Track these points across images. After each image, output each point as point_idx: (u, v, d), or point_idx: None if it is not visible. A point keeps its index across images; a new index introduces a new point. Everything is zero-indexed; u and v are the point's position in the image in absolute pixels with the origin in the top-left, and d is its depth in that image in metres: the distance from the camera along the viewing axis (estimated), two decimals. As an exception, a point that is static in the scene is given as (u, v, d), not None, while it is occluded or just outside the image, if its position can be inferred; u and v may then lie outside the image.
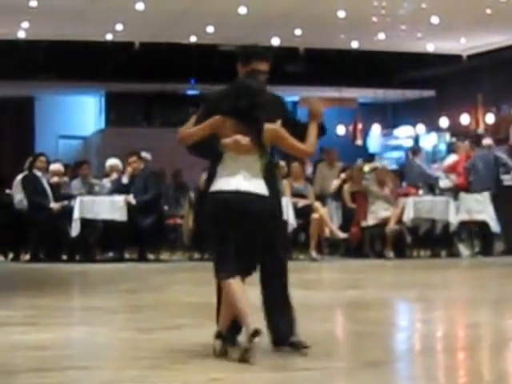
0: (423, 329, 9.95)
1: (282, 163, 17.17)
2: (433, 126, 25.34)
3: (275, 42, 20.90)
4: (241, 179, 6.50)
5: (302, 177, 17.28)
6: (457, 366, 6.61)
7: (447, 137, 24.46)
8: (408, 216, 16.46)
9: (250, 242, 6.63)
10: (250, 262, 6.77)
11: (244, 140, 6.38)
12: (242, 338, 6.86)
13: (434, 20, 18.01)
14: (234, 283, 6.66)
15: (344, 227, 16.90)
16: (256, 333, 6.25)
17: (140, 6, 16.67)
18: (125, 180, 15.94)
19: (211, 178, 6.81)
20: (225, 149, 6.52)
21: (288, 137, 6.59)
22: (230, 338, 7.01)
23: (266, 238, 6.77)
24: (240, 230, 6.58)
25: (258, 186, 6.50)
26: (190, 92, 25.79)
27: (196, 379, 6.53)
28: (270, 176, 6.93)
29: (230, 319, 6.83)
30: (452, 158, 18.93)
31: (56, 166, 16.27)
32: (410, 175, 18.63)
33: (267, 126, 6.49)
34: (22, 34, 19.76)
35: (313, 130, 6.73)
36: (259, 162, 6.53)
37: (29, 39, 20.15)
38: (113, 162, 16.65)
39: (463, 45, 21.52)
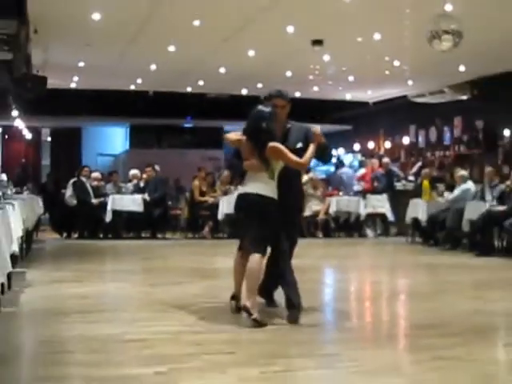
0: (341, 285, 9.99)
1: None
2: (350, 149, 25.35)
3: (244, 92, 20.91)
4: (251, 186, 6.32)
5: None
6: (364, 311, 6.61)
7: (359, 156, 24.45)
8: (332, 209, 16.52)
9: (252, 225, 6.35)
10: (251, 240, 6.41)
11: (255, 162, 6.22)
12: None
13: (351, 78, 18.05)
14: (236, 257, 6.64)
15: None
16: (233, 297, 6.35)
17: (153, 67, 16.67)
18: (142, 184, 15.91)
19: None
20: (246, 168, 6.38)
21: (286, 153, 6.25)
22: (268, 298, 6.96)
23: (286, 223, 6.53)
24: (245, 216, 6.49)
25: (261, 190, 6.22)
26: (187, 125, 25.73)
27: (189, 318, 6.59)
28: (295, 181, 6.84)
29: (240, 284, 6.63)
30: (362, 171, 18.97)
31: (96, 174, 16.21)
32: (334, 182, 18.66)
33: (269, 144, 6.19)
34: (73, 85, 19.70)
35: (310, 149, 6.44)
36: (266, 174, 6.22)
37: (78, 88, 20.10)
38: (134, 172, 16.59)
39: (369, 95, 21.59)
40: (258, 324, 5.94)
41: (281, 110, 6.59)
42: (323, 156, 7.09)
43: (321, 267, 11.64)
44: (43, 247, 13.45)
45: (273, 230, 6.36)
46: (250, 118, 6.44)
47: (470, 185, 14.13)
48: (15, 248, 7.68)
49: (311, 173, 20.33)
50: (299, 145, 6.49)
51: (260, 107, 6.46)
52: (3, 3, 11.03)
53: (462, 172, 14.58)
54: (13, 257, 7.74)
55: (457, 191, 13.99)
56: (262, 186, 6.24)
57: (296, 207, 6.98)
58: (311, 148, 6.44)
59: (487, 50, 13.73)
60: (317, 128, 6.75)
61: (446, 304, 7.77)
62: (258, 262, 6.28)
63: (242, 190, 6.61)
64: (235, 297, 6.59)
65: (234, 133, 6.72)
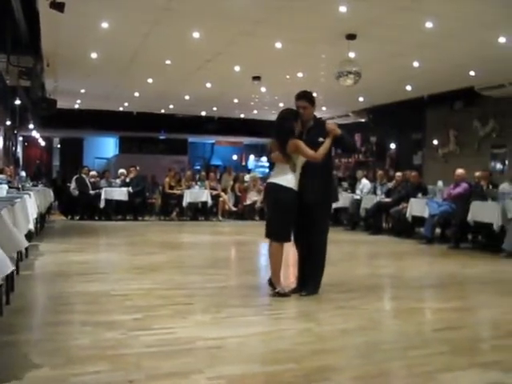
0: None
1: (203, 172, 17.07)
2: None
3: (203, 113, 20.82)
4: (277, 176, 5.55)
5: (215, 179, 17.11)
6: (289, 273, 6.63)
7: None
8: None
9: (276, 214, 5.59)
10: (275, 228, 5.60)
11: (279, 155, 5.50)
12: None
13: (281, 104, 17.89)
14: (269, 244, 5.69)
15: (235, 205, 16.83)
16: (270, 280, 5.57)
17: (136, 94, 16.52)
18: (127, 180, 15.67)
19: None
20: (272, 159, 5.70)
21: (303, 148, 5.46)
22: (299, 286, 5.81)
23: (307, 215, 5.58)
24: (270, 206, 5.73)
25: (284, 180, 5.46)
26: (161, 137, 25.46)
27: (159, 279, 6.54)
28: (328, 176, 5.86)
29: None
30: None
31: (93, 172, 15.91)
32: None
33: (291, 140, 5.45)
34: (76, 106, 19.37)
35: (325, 144, 5.54)
36: (288, 165, 5.47)
37: (80, 108, 19.78)
38: (121, 171, 16.30)
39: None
40: (281, 295, 5.46)
41: (303, 110, 5.67)
42: (343, 146, 6.20)
43: (258, 242, 11.64)
44: (53, 226, 13.23)
45: (289, 218, 5.56)
46: (276, 119, 5.70)
47: (364, 182, 14.36)
48: (31, 226, 7.56)
49: (252, 172, 20.37)
50: (320, 139, 5.61)
51: (284, 109, 5.74)
52: (23, 43, 10.84)
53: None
54: (29, 233, 7.62)
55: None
56: (284, 176, 5.51)
57: (325, 196, 5.83)
58: (326, 142, 5.58)
59: (379, 86, 13.91)
60: (330, 123, 5.88)
61: (347, 268, 7.86)
62: (278, 249, 5.58)
63: (269, 179, 5.78)
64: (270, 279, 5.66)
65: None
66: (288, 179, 5.50)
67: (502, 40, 9.48)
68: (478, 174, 11.19)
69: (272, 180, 5.65)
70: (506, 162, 13.79)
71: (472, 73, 12.10)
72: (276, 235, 5.58)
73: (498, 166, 14.21)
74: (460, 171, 11.08)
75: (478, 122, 14.79)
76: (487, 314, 5.43)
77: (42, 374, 3.30)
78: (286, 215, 5.52)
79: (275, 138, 5.67)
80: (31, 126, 19.24)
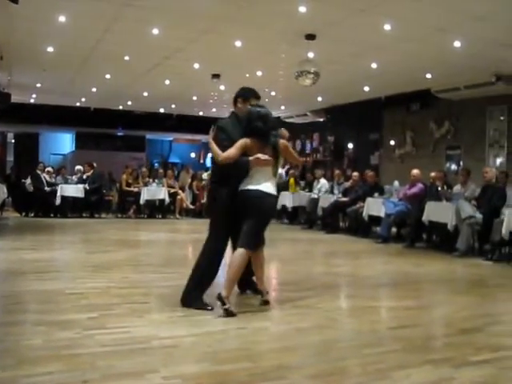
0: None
1: (161, 170, 16.93)
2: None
3: (161, 110, 20.69)
4: (261, 182, 4.96)
5: (172, 177, 17.03)
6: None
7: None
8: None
9: (260, 224, 5.05)
10: (256, 237, 5.01)
11: (263, 157, 4.90)
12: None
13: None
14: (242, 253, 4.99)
15: (193, 203, 16.76)
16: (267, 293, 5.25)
17: (94, 89, 16.29)
18: (84, 176, 15.48)
19: (224, 179, 5.14)
20: (251, 164, 4.93)
21: (292, 149, 5.36)
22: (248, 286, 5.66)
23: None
24: (251, 214, 4.95)
25: (268, 187, 4.99)
26: (118, 133, 25.17)
27: (115, 277, 6.48)
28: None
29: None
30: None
31: (48, 168, 15.67)
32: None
33: (280, 140, 5.17)
34: (32, 100, 19.03)
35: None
36: (272, 170, 5.05)
37: (36, 103, 19.45)
38: (78, 167, 16.10)
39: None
40: (229, 314, 4.76)
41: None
42: None
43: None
44: (6, 223, 12.99)
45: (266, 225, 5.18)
46: (255, 119, 5.07)
47: (323, 182, 14.49)
48: (-17, 223, 7.43)
49: (210, 170, 20.27)
50: None
51: (257, 109, 5.14)
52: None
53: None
54: (-19, 230, 7.49)
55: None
56: (269, 182, 5.05)
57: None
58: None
59: (337, 87, 14.04)
60: (283, 129, 5.50)
61: (303, 267, 7.93)
62: (245, 256, 4.97)
63: (250, 185, 5.03)
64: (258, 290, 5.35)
65: (218, 151, 5.07)
66: (272, 185, 5.10)
67: (457, 44, 9.67)
68: (433, 174, 11.39)
69: (256, 187, 5.02)
70: (461, 163, 14.06)
71: (428, 75, 12.32)
72: (255, 244, 5.09)
73: (453, 166, 14.48)
74: (416, 172, 11.28)
75: (433, 124, 15.04)
76: (440, 312, 5.56)
77: (-8, 375, 3.24)
78: (267, 223, 5.17)
79: (259, 140, 5.08)
80: (-16, 120, 18.85)
